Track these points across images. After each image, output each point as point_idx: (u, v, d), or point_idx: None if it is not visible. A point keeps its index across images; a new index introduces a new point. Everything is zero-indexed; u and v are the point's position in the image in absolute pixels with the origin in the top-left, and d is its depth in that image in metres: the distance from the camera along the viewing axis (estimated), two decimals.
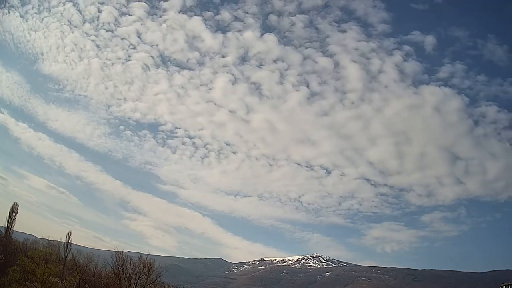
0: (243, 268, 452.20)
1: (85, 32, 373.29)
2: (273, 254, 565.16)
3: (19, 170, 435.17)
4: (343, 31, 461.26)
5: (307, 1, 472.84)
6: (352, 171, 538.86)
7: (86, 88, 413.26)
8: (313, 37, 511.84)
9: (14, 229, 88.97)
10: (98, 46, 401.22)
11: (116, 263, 64.66)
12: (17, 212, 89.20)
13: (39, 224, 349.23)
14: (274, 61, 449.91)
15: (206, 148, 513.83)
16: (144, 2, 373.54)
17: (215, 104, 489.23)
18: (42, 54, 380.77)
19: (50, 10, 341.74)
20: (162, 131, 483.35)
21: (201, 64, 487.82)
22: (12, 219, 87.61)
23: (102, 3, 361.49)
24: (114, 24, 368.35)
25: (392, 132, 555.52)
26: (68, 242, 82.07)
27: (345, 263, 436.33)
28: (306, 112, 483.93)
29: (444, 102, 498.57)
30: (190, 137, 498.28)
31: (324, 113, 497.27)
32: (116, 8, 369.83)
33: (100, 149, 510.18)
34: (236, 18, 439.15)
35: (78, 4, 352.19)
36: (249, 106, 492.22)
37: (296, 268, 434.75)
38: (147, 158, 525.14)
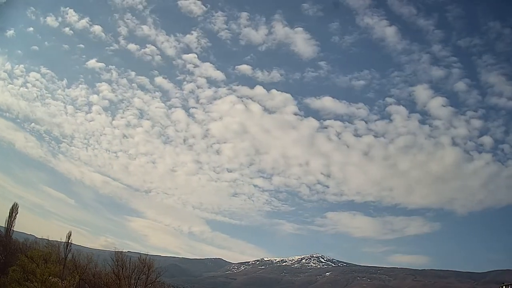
0: (243, 268, 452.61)
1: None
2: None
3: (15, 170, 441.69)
4: None
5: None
6: (219, 173, 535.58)
7: (19, 105, 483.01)
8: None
9: (14, 229, 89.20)
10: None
11: (116, 263, 64.65)
12: (17, 212, 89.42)
13: (39, 224, 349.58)
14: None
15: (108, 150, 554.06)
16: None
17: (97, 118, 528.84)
18: None
19: None
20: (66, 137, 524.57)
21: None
22: (12, 219, 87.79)
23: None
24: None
25: (236, 135, 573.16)
26: (68, 242, 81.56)
27: (345, 263, 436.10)
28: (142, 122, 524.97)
29: (266, 102, 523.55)
30: (88, 140, 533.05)
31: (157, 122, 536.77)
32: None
33: None
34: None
35: None
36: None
37: (296, 268, 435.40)
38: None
